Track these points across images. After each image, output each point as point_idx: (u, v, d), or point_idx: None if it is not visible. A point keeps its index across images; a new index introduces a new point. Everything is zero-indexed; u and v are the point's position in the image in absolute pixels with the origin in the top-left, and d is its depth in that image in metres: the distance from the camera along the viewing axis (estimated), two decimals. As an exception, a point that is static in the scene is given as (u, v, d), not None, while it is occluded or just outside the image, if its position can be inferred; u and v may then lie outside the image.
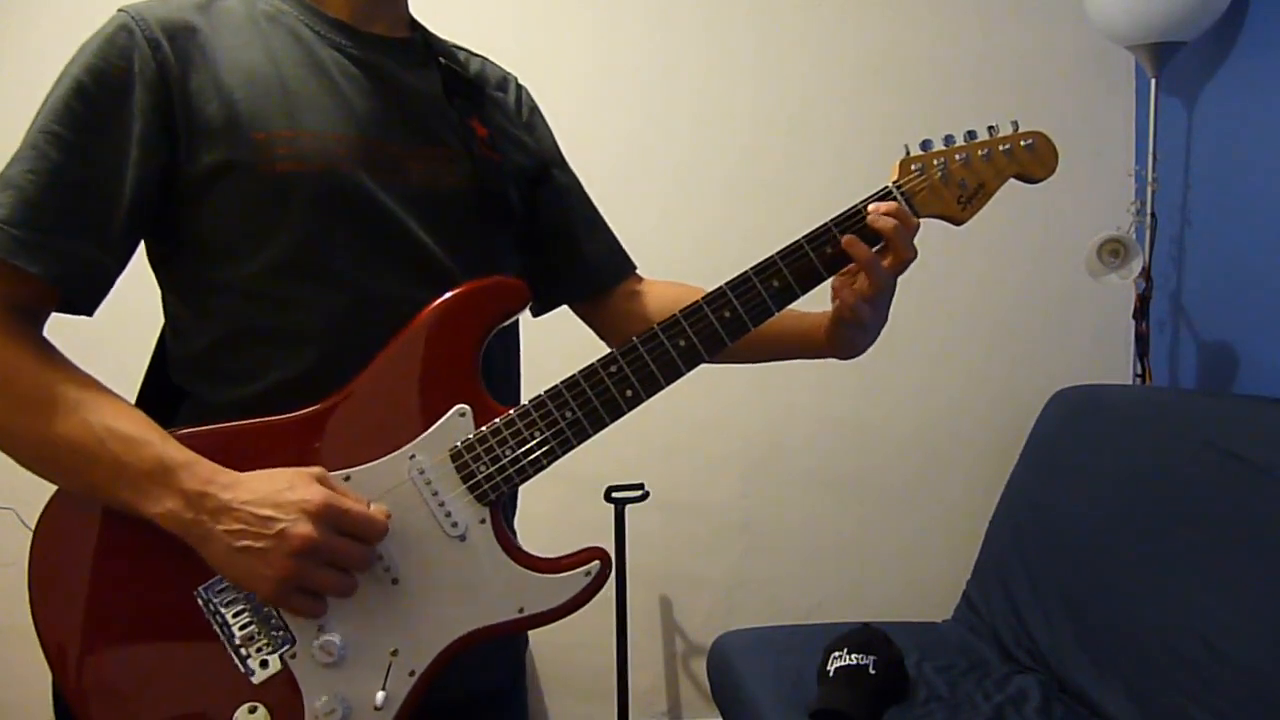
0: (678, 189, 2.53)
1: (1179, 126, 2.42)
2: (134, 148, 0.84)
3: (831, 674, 1.92)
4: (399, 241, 0.91)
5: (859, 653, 1.93)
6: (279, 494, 0.79)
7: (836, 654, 1.95)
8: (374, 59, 0.95)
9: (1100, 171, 2.59)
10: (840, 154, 2.54)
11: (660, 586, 2.60)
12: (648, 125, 2.52)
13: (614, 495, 2.32)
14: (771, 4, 2.56)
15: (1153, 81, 2.31)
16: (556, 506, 2.45)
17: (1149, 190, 2.32)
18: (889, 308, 0.99)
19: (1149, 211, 2.33)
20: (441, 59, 1.01)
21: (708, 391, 2.50)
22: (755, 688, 2.02)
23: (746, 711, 2.00)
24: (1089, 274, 2.26)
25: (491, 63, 1.12)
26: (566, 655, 2.55)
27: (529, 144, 1.09)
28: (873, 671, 1.90)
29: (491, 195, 0.98)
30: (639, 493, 2.33)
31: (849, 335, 1.00)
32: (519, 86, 1.13)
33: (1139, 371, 2.43)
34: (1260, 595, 1.64)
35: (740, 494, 2.61)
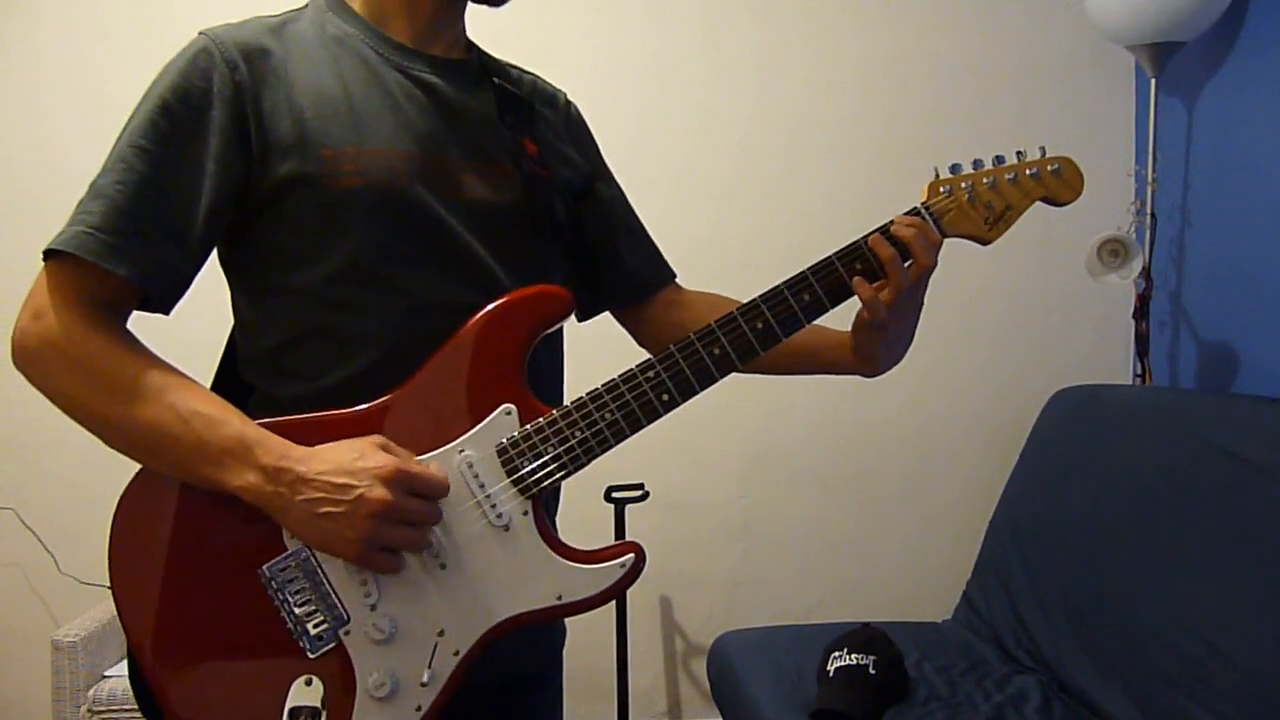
0: (678, 189, 2.53)
1: (1179, 126, 2.42)
2: (212, 161, 0.91)
3: (831, 674, 1.92)
4: (453, 252, 0.97)
5: (859, 653, 1.93)
6: (352, 463, 0.85)
7: (836, 654, 1.95)
8: (433, 80, 1.01)
9: (1100, 171, 2.57)
10: (840, 154, 2.54)
11: (660, 586, 2.60)
12: (648, 126, 2.53)
13: (614, 495, 2.32)
14: (771, 4, 2.56)
15: (1153, 81, 2.31)
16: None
17: (1149, 190, 2.33)
18: (914, 323, 1.05)
19: (1149, 211, 2.33)
20: (495, 79, 1.08)
21: (708, 392, 2.49)
22: (755, 688, 2.02)
23: (746, 711, 2.00)
24: (1089, 274, 2.27)
25: (542, 80, 1.18)
26: (567, 655, 2.54)
27: (575, 159, 1.15)
28: (873, 671, 1.90)
29: (539, 209, 1.04)
30: (639, 493, 2.33)
31: (872, 344, 1.03)
32: (568, 103, 1.20)
33: (1139, 371, 2.43)
34: (1260, 595, 1.64)
35: (740, 494, 2.61)
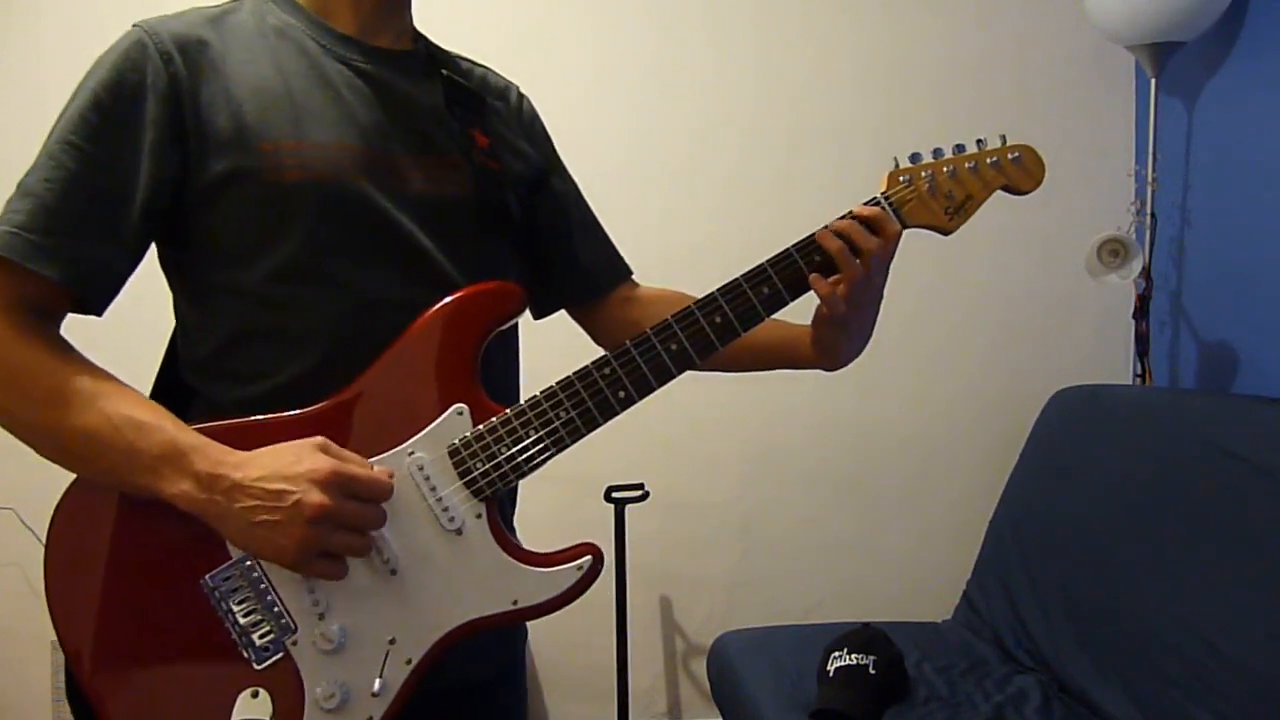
0: (678, 189, 2.53)
1: (1179, 126, 2.42)
2: (146, 157, 0.88)
3: (831, 674, 1.92)
4: (401, 247, 0.94)
5: (859, 653, 1.93)
6: (288, 467, 0.83)
7: (836, 654, 1.95)
8: (378, 71, 0.98)
9: (1100, 171, 2.59)
10: (840, 155, 2.54)
11: (660, 586, 2.60)
12: (648, 126, 2.52)
13: (614, 495, 2.32)
14: (771, 4, 2.56)
15: (1153, 81, 2.31)
16: (556, 506, 2.45)
17: (1149, 190, 2.32)
18: (873, 316, 1.02)
19: (1149, 211, 2.33)
20: (444, 70, 1.04)
21: (708, 391, 2.50)
22: (755, 688, 2.02)
23: (746, 711, 2.00)
24: (1089, 274, 2.27)
25: (494, 72, 1.15)
26: (566, 655, 2.55)
27: (528, 152, 1.11)
28: (873, 671, 1.90)
29: (491, 203, 1.01)
30: (639, 493, 2.33)
31: (832, 337, 1.02)
32: (520, 96, 1.16)
33: (1139, 371, 2.43)
34: (1260, 595, 1.64)
35: (740, 494, 2.61)
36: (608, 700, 2.36)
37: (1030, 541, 2.24)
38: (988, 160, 0.99)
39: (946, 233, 1.00)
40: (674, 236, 2.47)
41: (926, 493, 2.64)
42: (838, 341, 1.02)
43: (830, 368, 1.06)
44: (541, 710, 2.60)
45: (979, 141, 1.00)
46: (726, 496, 2.60)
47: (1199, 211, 2.39)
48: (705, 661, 2.34)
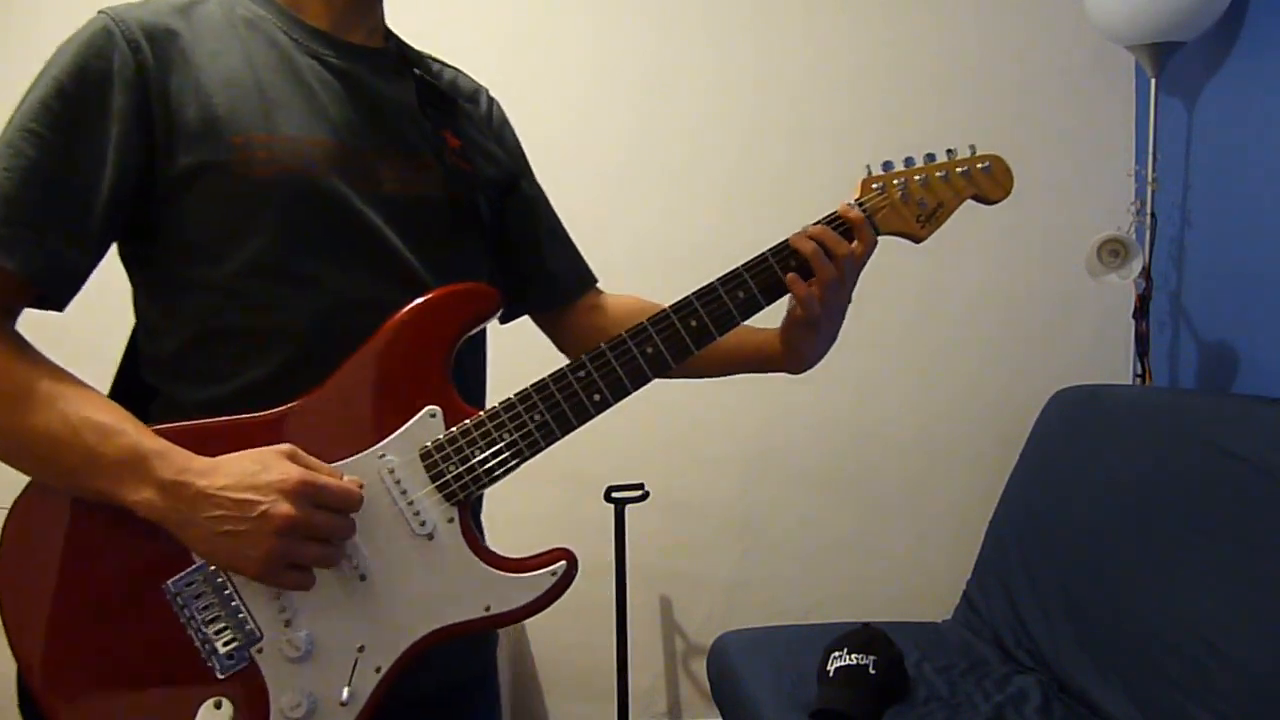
0: (678, 189, 2.53)
1: (1179, 126, 2.42)
2: (112, 148, 0.85)
3: (831, 674, 1.92)
4: (372, 246, 0.93)
5: (859, 653, 1.93)
6: (255, 475, 0.80)
7: (836, 654, 1.95)
8: (350, 67, 0.96)
9: (1100, 171, 2.59)
10: (840, 155, 2.54)
11: (660, 586, 2.60)
12: (648, 126, 2.52)
13: (614, 495, 2.32)
14: (771, 4, 2.56)
15: (1153, 81, 2.31)
16: (556, 506, 2.46)
17: (1149, 190, 2.32)
18: (841, 319, 1.03)
19: (1149, 211, 2.33)
20: (416, 70, 1.03)
21: (708, 392, 2.50)
22: (755, 688, 2.02)
23: (746, 711, 2.00)
24: (1089, 274, 2.26)
25: (464, 74, 1.14)
26: (566, 655, 2.55)
27: (499, 156, 1.10)
28: (873, 671, 1.90)
29: (462, 203, 1.00)
30: (639, 493, 2.33)
31: (802, 340, 1.03)
32: (490, 99, 1.15)
33: (1139, 371, 2.43)
34: (1260, 595, 1.64)
35: (740, 494, 2.61)
36: (608, 700, 2.36)
37: (1030, 541, 2.24)
38: (958, 169, 1.01)
39: (918, 240, 1.01)
40: (674, 236, 2.47)
41: (926, 493, 2.64)
42: (807, 344, 1.03)
43: (796, 370, 1.07)
44: (541, 710, 2.60)
45: (949, 151, 1.02)
46: (726, 496, 2.60)
47: (1199, 211, 2.39)
48: (705, 661, 2.34)
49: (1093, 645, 1.95)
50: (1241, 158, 2.24)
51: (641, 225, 2.49)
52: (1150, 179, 2.32)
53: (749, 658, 2.15)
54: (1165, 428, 2.01)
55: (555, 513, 2.46)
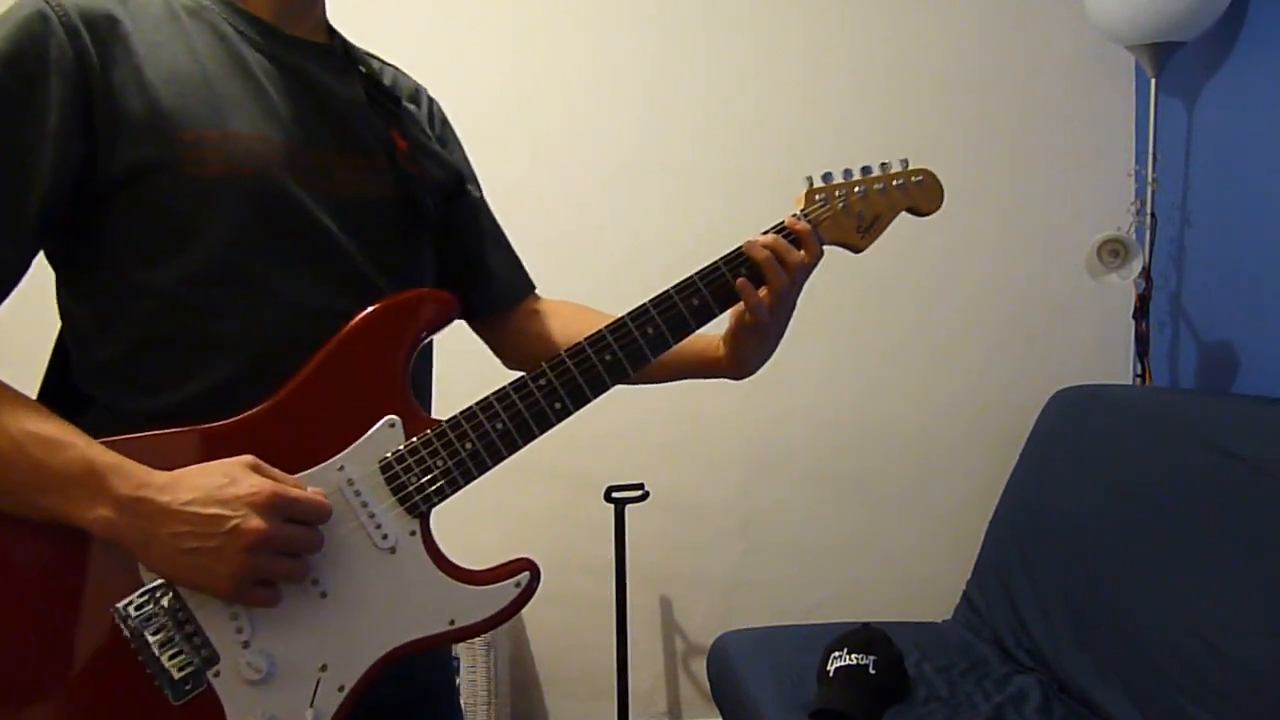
0: (678, 189, 2.53)
1: (1179, 126, 2.42)
2: (48, 141, 0.79)
3: (831, 674, 1.92)
4: (324, 250, 0.90)
5: (859, 653, 1.93)
6: (222, 490, 0.77)
7: (836, 654, 1.95)
8: (297, 62, 0.93)
9: (1100, 171, 2.59)
10: (840, 155, 2.52)
11: (660, 586, 2.60)
12: (648, 126, 2.52)
13: (614, 495, 2.32)
14: (771, 5, 2.56)
15: (1153, 81, 2.31)
16: (556, 507, 2.46)
17: (1149, 190, 2.32)
18: (786, 324, 1.04)
19: (1149, 211, 2.33)
20: (361, 68, 1.00)
21: (708, 391, 2.49)
22: (755, 688, 2.02)
23: (746, 711, 2.00)
24: (1089, 274, 2.26)
25: (403, 73, 1.10)
26: (566, 655, 2.55)
27: (444, 158, 1.08)
28: (873, 671, 1.90)
29: (413, 206, 0.97)
30: (639, 493, 2.33)
31: (748, 346, 1.04)
32: (430, 99, 1.12)
33: (1139, 371, 2.43)
34: (1260, 595, 1.64)
35: (740, 494, 2.61)
36: (608, 700, 2.36)
37: (1030, 541, 2.24)
38: (894, 182, 1.04)
39: (858, 250, 1.04)
40: (674, 236, 2.47)
41: (927, 493, 2.64)
42: (753, 349, 1.04)
43: (738, 376, 1.07)
44: (541, 710, 2.59)
45: (884, 164, 1.05)
46: (726, 496, 2.60)
47: (1199, 211, 2.39)
48: (705, 661, 2.34)
49: (1093, 645, 1.95)
50: (1241, 158, 2.24)
51: (642, 225, 2.48)
52: (1150, 179, 2.32)
53: (749, 658, 2.15)
54: (1165, 428, 2.01)
55: (555, 513, 2.45)
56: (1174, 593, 1.80)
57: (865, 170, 1.04)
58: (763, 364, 1.06)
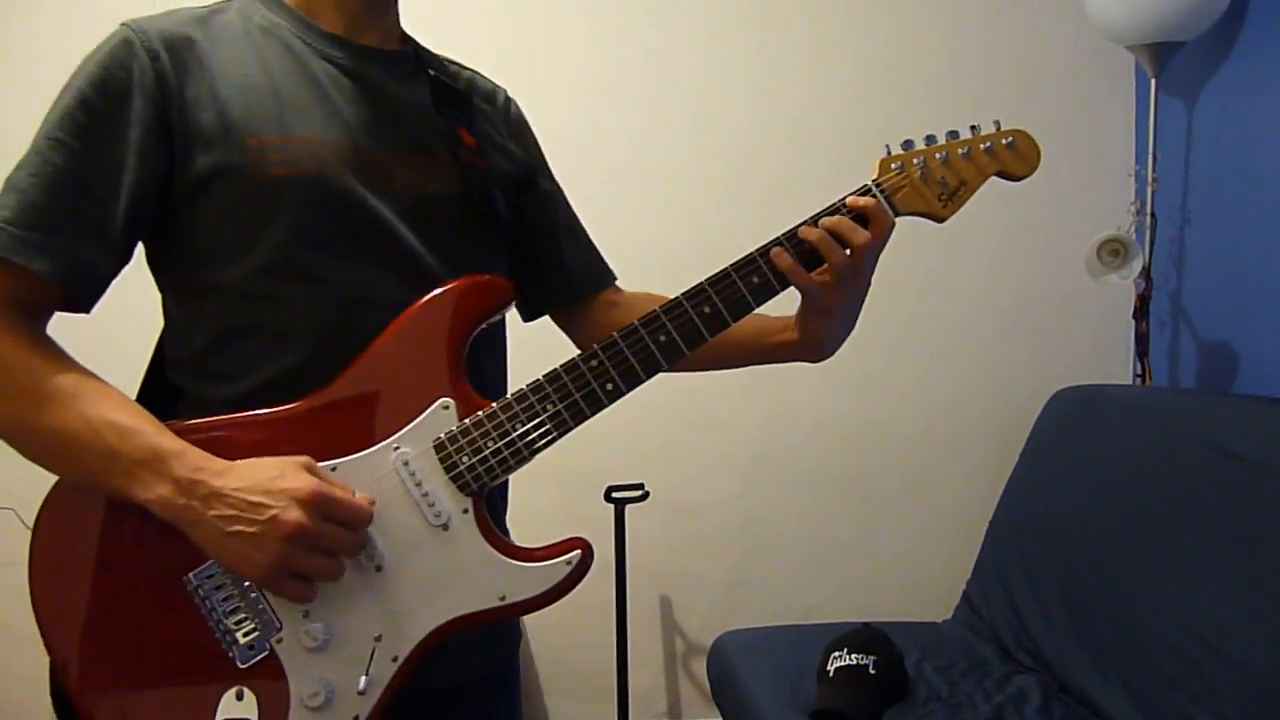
0: (678, 189, 2.53)
1: (1179, 126, 2.42)
2: (132, 153, 0.88)
3: (831, 674, 1.92)
4: (386, 244, 0.94)
5: (859, 653, 1.93)
6: (270, 481, 0.82)
7: (836, 654, 1.95)
8: (364, 69, 0.98)
9: (1100, 171, 2.59)
10: (840, 154, 2.54)
11: (660, 586, 2.60)
12: (648, 126, 2.52)
13: (614, 495, 2.32)
14: (771, 5, 2.56)
15: (1153, 81, 2.31)
16: (556, 506, 2.45)
17: (1149, 190, 2.32)
18: (859, 306, 1.02)
19: (1149, 211, 2.33)
20: (431, 71, 1.05)
21: (708, 391, 2.50)
22: (755, 688, 2.02)
23: (746, 711, 2.00)
24: (1089, 274, 2.26)
25: (482, 76, 1.15)
26: (566, 655, 2.55)
27: (515, 152, 1.11)
28: (873, 671, 1.90)
29: (478, 200, 1.01)
30: (639, 493, 2.33)
31: (818, 328, 1.02)
32: (508, 99, 1.16)
33: (1139, 371, 2.43)
34: (1260, 595, 1.64)
35: (740, 494, 2.61)
36: (608, 700, 2.36)
37: (1030, 541, 2.24)
38: (981, 145, 0.98)
39: (940, 219, 0.99)
40: (675, 236, 2.47)
41: (926, 493, 2.64)
42: (824, 332, 1.02)
43: (814, 359, 1.06)
44: (542, 710, 2.59)
45: (973, 127, 0.99)
46: (726, 496, 2.60)
47: (1199, 211, 2.39)
48: (705, 661, 2.34)
49: (1093, 645, 1.95)
50: (1241, 158, 2.24)
51: (642, 225, 2.48)
52: (1150, 179, 2.32)
53: (749, 658, 2.15)
54: (1165, 428, 2.01)
55: (555, 512, 2.45)
56: (1174, 593, 1.80)
57: (951, 135, 0.98)
58: (838, 346, 1.04)
